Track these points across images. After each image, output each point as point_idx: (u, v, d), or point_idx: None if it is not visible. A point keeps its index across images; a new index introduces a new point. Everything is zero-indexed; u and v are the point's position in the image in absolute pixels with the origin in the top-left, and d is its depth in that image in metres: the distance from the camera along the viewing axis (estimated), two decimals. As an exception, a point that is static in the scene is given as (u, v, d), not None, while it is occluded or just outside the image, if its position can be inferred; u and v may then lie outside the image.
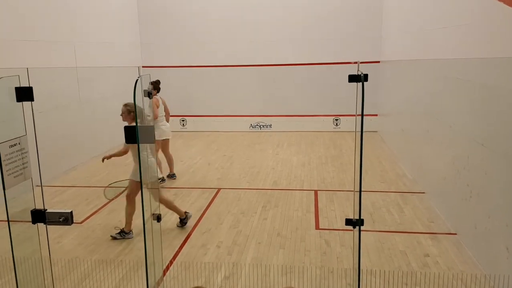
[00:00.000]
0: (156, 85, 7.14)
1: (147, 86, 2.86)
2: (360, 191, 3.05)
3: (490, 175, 4.12)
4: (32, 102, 2.51)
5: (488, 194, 4.14)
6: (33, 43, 7.17)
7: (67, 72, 8.19)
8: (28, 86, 2.47)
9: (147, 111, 6.23)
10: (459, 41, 5.14)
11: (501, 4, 3.95)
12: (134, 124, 4.57)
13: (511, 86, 3.72)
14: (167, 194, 6.60)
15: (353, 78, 2.97)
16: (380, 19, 10.71)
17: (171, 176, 7.40)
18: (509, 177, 3.71)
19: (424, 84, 6.66)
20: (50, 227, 2.75)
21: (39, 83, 3.38)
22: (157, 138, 6.72)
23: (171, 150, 7.43)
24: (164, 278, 4.17)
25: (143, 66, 11.60)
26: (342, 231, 5.15)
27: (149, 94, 2.84)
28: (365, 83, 2.89)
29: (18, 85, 2.47)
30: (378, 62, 10.78)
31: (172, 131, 7.38)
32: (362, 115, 2.81)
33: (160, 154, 7.15)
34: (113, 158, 5.24)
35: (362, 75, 2.86)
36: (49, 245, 2.92)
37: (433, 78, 6.21)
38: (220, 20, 11.37)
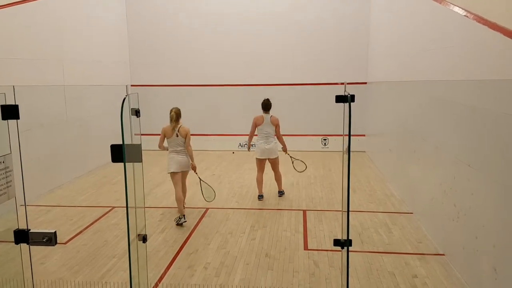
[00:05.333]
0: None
1: (134, 104, 2.84)
2: (348, 211, 3.05)
3: (476, 195, 4.15)
4: (18, 120, 2.47)
5: (475, 215, 4.17)
6: (20, 61, 7.13)
7: (54, 90, 8.15)
8: (14, 104, 2.44)
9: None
10: (444, 63, 5.24)
11: (484, 27, 4.05)
12: None
13: (495, 107, 3.79)
14: (156, 213, 6.53)
15: (340, 99, 3.00)
16: (366, 41, 10.90)
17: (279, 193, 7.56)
18: (496, 197, 3.74)
19: (411, 105, 6.75)
20: (33, 247, 2.69)
21: (25, 101, 3.36)
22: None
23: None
24: (150, 300, 4.09)
25: (131, 85, 11.59)
26: (331, 252, 5.12)
27: (136, 113, 2.82)
28: (352, 103, 2.92)
29: (3, 103, 2.44)
30: (365, 83, 10.92)
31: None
32: (350, 135, 2.83)
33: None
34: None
35: (349, 95, 2.89)
36: (32, 266, 2.85)
37: (419, 99, 6.30)
38: (209, 40, 11.46)
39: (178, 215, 6.16)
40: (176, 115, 6.18)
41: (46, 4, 7.90)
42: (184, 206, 6.27)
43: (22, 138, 2.71)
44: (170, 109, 6.25)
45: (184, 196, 6.52)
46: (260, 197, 7.29)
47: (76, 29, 8.95)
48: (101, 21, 10.15)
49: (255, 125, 7.26)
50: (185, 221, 6.09)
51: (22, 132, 2.63)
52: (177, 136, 6.16)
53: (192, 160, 6.25)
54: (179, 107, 6.33)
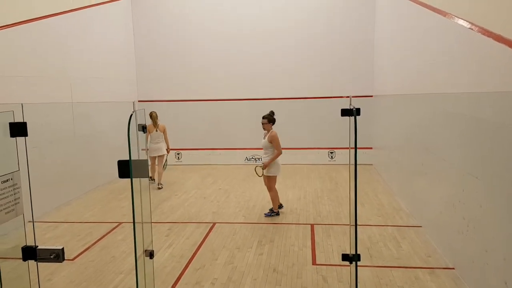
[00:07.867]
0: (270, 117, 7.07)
1: (141, 120, 2.87)
2: (356, 225, 3.03)
3: (485, 208, 4.11)
4: (26, 137, 2.50)
5: (485, 228, 4.12)
6: (28, 78, 7.23)
7: (62, 107, 8.23)
8: (22, 121, 2.47)
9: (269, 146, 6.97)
10: (449, 75, 5.24)
11: (489, 39, 4.05)
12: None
13: (502, 119, 3.77)
14: (163, 229, 6.53)
15: (345, 112, 3.01)
16: (372, 54, 10.93)
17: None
18: (505, 210, 3.70)
19: (417, 118, 6.73)
20: (41, 264, 2.69)
21: (34, 118, 3.39)
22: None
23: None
24: (157, 316, 4.06)
25: (139, 101, 11.69)
26: (339, 267, 5.07)
27: (143, 129, 2.84)
28: (358, 116, 2.92)
29: (12, 121, 2.46)
30: (371, 96, 10.93)
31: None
32: (356, 147, 2.82)
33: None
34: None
35: (354, 109, 2.89)
36: (40, 283, 2.85)
37: (425, 112, 6.29)
38: (216, 55, 11.56)
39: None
40: (156, 116, 8.97)
41: (54, 23, 8.04)
42: (160, 182, 9.02)
43: (31, 155, 2.74)
44: (150, 113, 8.89)
45: (161, 175, 9.08)
46: (280, 206, 7.35)
47: (83, 46, 9.07)
48: (108, 38, 10.28)
49: None
50: (153, 182, 9.12)
51: (31, 149, 2.65)
52: (157, 131, 8.91)
53: (168, 146, 9.21)
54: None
